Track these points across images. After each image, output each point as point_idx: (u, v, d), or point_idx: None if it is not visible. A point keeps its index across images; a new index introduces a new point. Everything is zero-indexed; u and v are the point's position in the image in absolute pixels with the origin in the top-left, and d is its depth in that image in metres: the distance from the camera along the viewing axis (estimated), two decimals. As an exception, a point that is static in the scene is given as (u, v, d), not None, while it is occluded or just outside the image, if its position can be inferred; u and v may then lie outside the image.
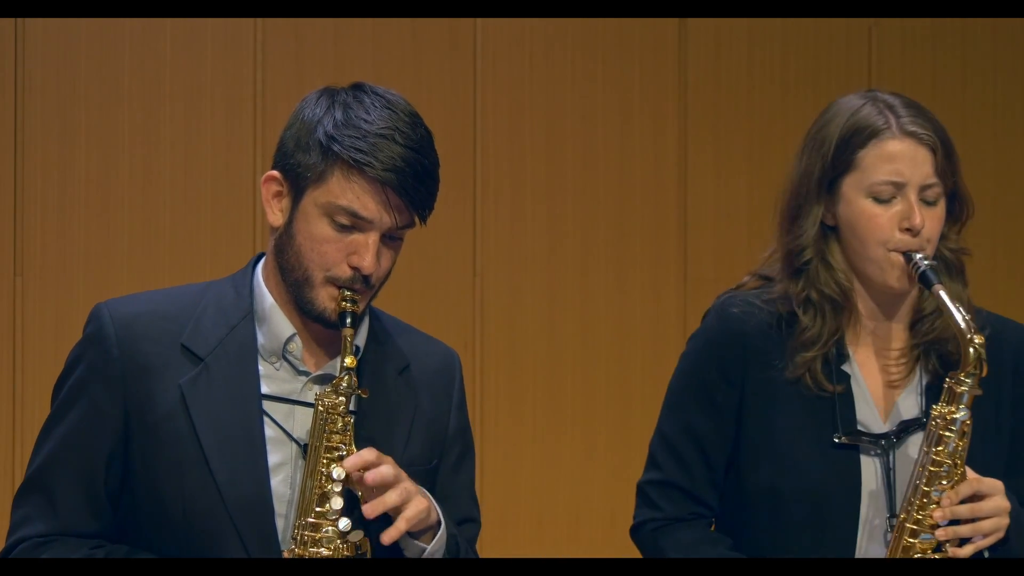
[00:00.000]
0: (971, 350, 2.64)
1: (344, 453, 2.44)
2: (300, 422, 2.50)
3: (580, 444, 4.88)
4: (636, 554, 2.94)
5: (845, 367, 2.77)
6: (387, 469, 2.43)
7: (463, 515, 2.66)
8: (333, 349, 2.54)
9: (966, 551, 2.66)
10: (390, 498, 2.41)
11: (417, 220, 2.49)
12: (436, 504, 2.51)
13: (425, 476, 2.55)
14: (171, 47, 4.64)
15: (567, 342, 4.92)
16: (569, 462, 4.87)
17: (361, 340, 2.55)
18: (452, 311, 4.80)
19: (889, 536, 2.70)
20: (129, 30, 4.60)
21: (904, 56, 5.20)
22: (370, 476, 2.41)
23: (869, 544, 2.73)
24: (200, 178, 4.65)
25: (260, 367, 2.51)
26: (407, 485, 2.44)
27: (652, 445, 2.87)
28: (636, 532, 2.88)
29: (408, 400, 2.58)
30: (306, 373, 2.53)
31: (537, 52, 4.92)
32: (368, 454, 2.43)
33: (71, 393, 2.51)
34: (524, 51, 4.91)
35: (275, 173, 2.52)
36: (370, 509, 2.41)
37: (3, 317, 4.53)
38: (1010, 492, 2.71)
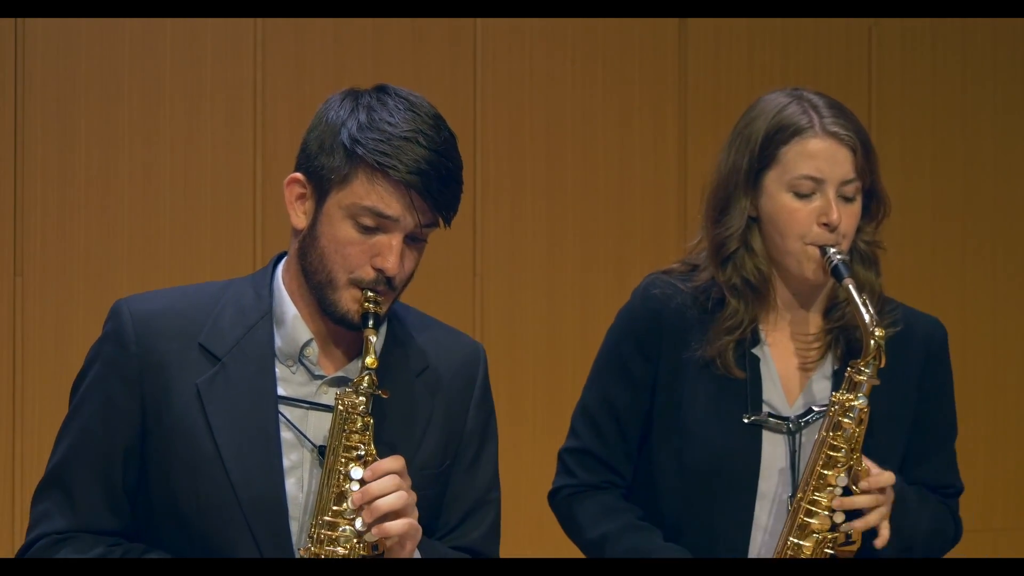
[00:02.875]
0: (872, 342, 2.75)
1: (363, 453, 2.44)
2: (314, 425, 2.51)
3: (580, 444, 4.88)
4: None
5: (756, 350, 2.88)
6: (385, 482, 2.43)
7: (473, 502, 2.65)
8: (350, 352, 2.54)
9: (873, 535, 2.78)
10: (386, 502, 2.42)
11: (441, 221, 2.50)
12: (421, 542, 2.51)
13: (436, 479, 2.56)
14: (171, 47, 4.64)
15: (567, 342, 4.92)
16: (569, 462, 4.87)
17: (380, 344, 2.54)
18: (452, 311, 4.80)
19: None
20: (129, 30, 4.60)
21: (904, 56, 5.20)
22: (356, 496, 2.42)
23: (770, 518, 2.85)
24: (200, 178, 4.65)
25: (276, 369, 2.51)
26: (411, 498, 2.45)
27: (573, 414, 3.00)
28: (552, 498, 3.03)
29: (424, 403, 2.57)
30: (321, 376, 2.53)
31: (537, 52, 4.92)
32: (392, 463, 2.44)
33: (89, 389, 2.51)
34: (524, 51, 4.91)
35: (298, 175, 2.51)
36: (368, 515, 2.41)
37: (3, 317, 4.53)
38: (902, 482, 2.83)
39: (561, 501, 3.01)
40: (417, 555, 2.49)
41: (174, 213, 4.63)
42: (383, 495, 2.42)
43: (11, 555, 4.45)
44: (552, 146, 4.92)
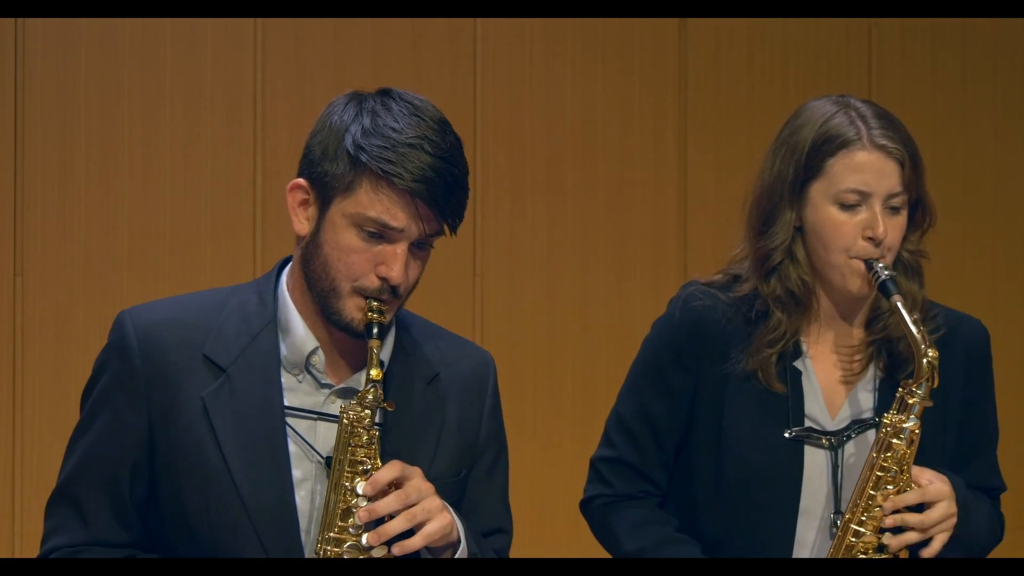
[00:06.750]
0: (924, 362, 2.72)
1: (369, 467, 2.41)
2: (323, 436, 2.47)
3: (580, 444, 4.87)
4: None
5: (797, 363, 2.84)
6: (389, 500, 2.39)
7: (493, 525, 2.62)
8: (357, 361, 2.51)
9: (924, 551, 2.74)
10: (392, 526, 2.39)
11: (447, 229, 2.46)
12: (459, 521, 2.48)
13: (454, 488, 2.53)
14: (171, 47, 4.63)
15: (567, 342, 4.92)
16: (569, 462, 4.87)
17: (387, 353, 2.51)
18: (452, 311, 4.80)
19: (835, 532, 2.77)
20: (129, 30, 4.60)
21: (904, 56, 5.20)
22: (362, 513, 2.39)
23: (812, 534, 2.80)
24: (200, 178, 4.65)
25: (282, 379, 2.48)
26: (427, 504, 2.40)
27: (608, 422, 2.96)
28: (586, 506, 2.98)
29: (436, 411, 2.54)
30: (329, 386, 2.50)
31: (537, 52, 4.92)
32: (388, 472, 2.40)
33: (96, 403, 2.49)
34: (524, 51, 4.91)
35: (301, 181, 2.47)
36: (374, 538, 2.38)
37: (3, 317, 4.53)
38: (956, 487, 2.78)
39: (596, 511, 2.95)
40: (460, 532, 2.46)
41: (174, 213, 4.63)
42: (389, 512, 2.38)
43: (11, 554, 4.45)
44: (552, 146, 4.92)
